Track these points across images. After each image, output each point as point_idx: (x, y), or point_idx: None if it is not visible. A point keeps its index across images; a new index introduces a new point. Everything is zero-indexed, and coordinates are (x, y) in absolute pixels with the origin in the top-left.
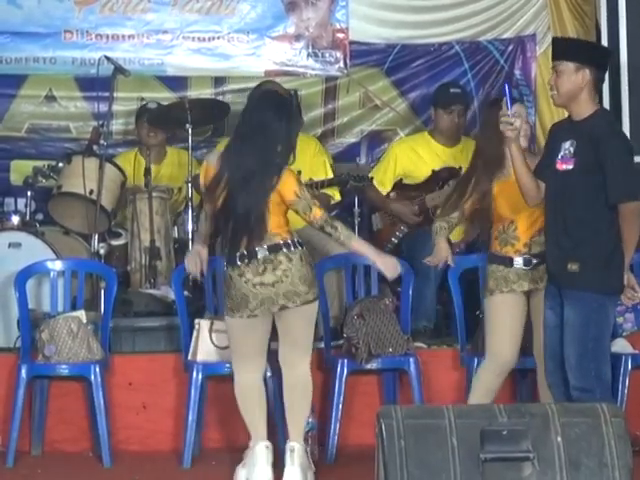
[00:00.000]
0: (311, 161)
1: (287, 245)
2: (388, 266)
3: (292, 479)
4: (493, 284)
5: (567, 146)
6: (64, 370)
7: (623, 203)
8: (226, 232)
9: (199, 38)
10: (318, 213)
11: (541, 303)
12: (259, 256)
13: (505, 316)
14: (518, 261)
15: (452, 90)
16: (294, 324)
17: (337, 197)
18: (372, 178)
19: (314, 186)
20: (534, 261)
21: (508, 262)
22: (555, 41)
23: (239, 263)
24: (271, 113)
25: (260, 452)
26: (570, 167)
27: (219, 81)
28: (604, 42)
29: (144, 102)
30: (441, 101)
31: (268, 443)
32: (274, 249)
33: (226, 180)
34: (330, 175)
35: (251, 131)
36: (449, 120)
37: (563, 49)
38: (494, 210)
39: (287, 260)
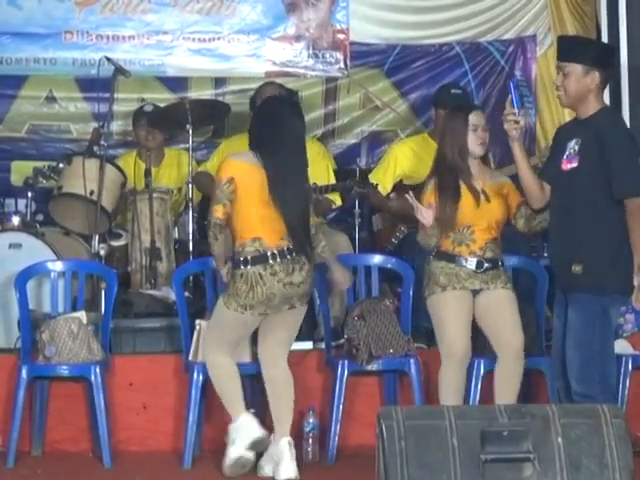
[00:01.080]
0: (314, 165)
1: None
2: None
3: (291, 473)
4: (445, 280)
5: (572, 145)
6: (64, 371)
7: (629, 198)
8: (261, 231)
9: (199, 39)
10: (315, 220)
11: (495, 302)
12: (288, 256)
13: (456, 312)
14: (471, 262)
15: (453, 91)
16: (292, 322)
17: (338, 202)
18: (377, 185)
19: (317, 191)
20: (486, 265)
21: (459, 261)
22: (562, 40)
23: (271, 262)
24: (301, 121)
25: (285, 447)
26: (575, 165)
27: (219, 82)
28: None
29: (141, 104)
30: (442, 102)
31: (290, 439)
32: (299, 250)
33: (274, 183)
34: (333, 180)
35: (292, 138)
36: None
37: (571, 50)
38: (451, 217)
39: (307, 261)
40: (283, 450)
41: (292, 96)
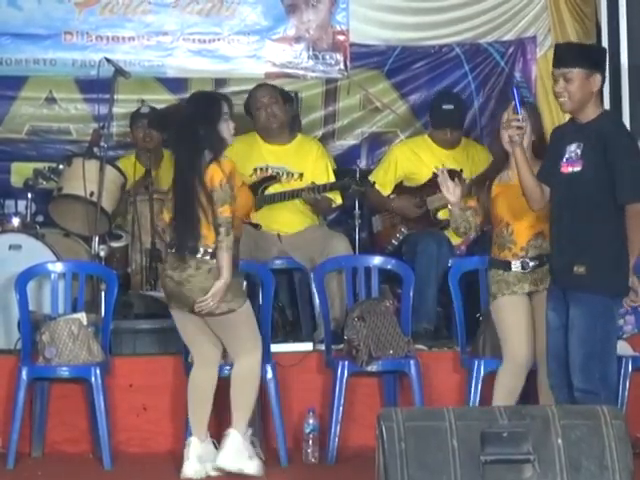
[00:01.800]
0: (313, 164)
1: (204, 252)
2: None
3: (221, 462)
4: (495, 288)
5: (573, 148)
6: (65, 372)
7: (630, 204)
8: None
9: (199, 40)
10: (227, 212)
11: (541, 305)
12: (178, 254)
13: (511, 317)
14: (516, 265)
15: (445, 107)
16: (216, 330)
17: (338, 201)
18: (374, 182)
19: (316, 190)
20: (531, 264)
21: (506, 266)
22: (560, 48)
23: (165, 254)
24: (193, 110)
25: (226, 437)
26: (578, 169)
27: (219, 83)
28: (604, 43)
29: (138, 106)
30: (433, 119)
31: (234, 431)
32: (191, 250)
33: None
34: (332, 179)
35: (180, 132)
36: (442, 134)
37: (572, 55)
38: (493, 211)
39: (195, 268)
40: (224, 439)
41: (204, 93)
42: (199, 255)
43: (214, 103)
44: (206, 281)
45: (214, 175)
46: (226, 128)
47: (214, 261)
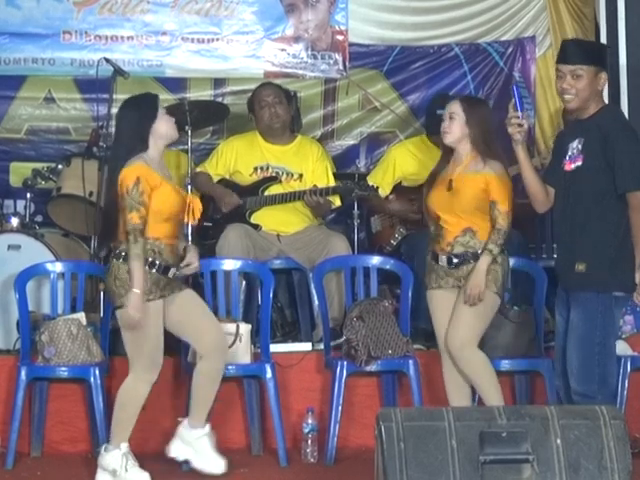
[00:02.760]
0: (313, 166)
1: (112, 253)
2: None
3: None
4: (427, 279)
5: (575, 145)
6: (64, 372)
7: (631, 192)
8: None
9: (198, 40)
10: (135, 220)
11: (459, 301)
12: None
13: (435, 310)
14: (442, 259)
15: (439, 112)
16: None
17: (337, 203)
18: (377, 187)
19: (319, 193)
20: (455, 261)
21: (436, 259)
22: (569, 44)
23: None
24: (124, 112)
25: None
26: (579, 164)
27: (218, 83)
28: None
29: None
30: (428, 124)
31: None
32: (112, 251)
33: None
34: (332, 183)
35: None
36: (438, 137)
37: (583, 52)
38: (427, 203)
39: (106, 267)
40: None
41: (138, 95)
42: (110, 255)
43: (148, 103)
44: (107, 277)
45: (122, 181)
46: (163, 125)
47: (115, 261)
